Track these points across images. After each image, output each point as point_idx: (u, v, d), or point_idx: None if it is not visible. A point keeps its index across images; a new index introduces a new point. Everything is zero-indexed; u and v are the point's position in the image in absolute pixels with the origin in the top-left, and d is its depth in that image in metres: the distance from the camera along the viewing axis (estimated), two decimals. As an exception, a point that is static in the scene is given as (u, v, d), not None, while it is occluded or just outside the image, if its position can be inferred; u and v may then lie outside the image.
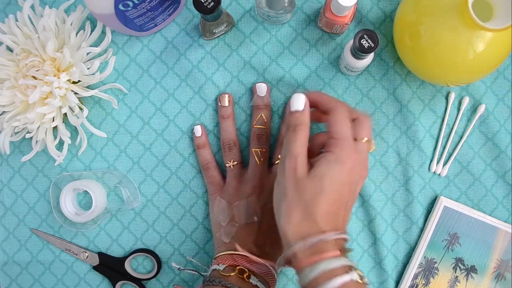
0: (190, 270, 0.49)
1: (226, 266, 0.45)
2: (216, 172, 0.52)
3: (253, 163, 0.50)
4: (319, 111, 0.44)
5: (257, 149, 0.50)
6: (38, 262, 0.55)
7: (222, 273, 0.44)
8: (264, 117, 0.51)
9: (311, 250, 0.37)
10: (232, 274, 0.43)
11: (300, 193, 0.38)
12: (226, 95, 0.51)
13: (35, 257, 0.55)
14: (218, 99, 0.52)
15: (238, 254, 0.45)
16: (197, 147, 0.52)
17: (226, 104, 0.51)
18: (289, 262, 0.39)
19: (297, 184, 0.39)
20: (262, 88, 0.51)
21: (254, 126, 0.51)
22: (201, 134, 0.52)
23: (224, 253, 0.46)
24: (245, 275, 0.43)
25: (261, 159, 0.50)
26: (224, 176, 0.52)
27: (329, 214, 0.38)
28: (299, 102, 0.42)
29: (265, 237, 0.47)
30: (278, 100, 0.53)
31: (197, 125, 0.52)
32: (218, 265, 0.45)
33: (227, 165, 0.51)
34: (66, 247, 0.55)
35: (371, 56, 0.47)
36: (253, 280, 0.43)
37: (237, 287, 0.42)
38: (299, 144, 0.40)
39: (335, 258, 0.36)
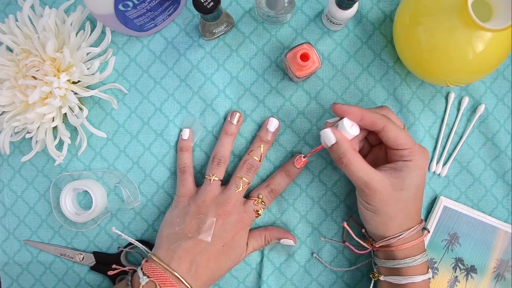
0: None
1: (149, 280, 0.45)
2: (190, 178, 0.52)
3: (232, 189, 0.50)
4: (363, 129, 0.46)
5: (242, 177, 0.50)
6: (38, 262, 0.56)
7: None
8: (262, 150, 0.51)
9: (414, 236, 0.45)
10: None
11: (396, 206, 0.44)
12: (238, 114, 0.51)
13: (36, 257, 0.56)
14: (229, 114, 0.52)
15: (169, 272, 0.45)
16: (179, 149, 0.52)
17: (235, 122, 0.51)
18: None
19: (390, 199, 0.43)
20: (273, 124, 0.51)
21: (249, 154, 0.51)
22: (188, 137, 0.52)
23: (158, 261, 0.46)
24: None
25: (241, 188, 0.50)
26: (196, 184, 0.52)
27: (419, 208, 0.46)
28: (329, 137, 0.44)
29: (208, 261, 0.47)
30: (277, 101, 0.53)
31: (186, 128, 0.52)
32: (144, 275, 0.45)
33: (207, 177, 0.50)
34: (60, 252, 0.55)
35: (355, 6, 0.47)
36: None
37: None
38: (360, 170, 0.43)
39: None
